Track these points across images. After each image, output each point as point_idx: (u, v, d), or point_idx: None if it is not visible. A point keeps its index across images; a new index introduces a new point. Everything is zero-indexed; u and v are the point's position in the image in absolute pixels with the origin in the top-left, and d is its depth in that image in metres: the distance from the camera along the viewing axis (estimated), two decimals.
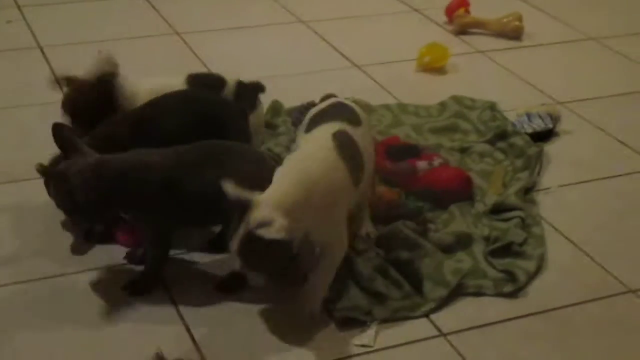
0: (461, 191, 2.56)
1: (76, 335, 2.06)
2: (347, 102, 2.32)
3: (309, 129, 2.19)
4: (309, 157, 2.05)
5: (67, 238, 2.36)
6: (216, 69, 3.22)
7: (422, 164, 2.56)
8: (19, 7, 3.84)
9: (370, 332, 2.09)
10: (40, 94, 3.08)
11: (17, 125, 2.90)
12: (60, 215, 2.29)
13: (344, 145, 2.10)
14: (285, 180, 1.97)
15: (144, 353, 1.90)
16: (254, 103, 2.56)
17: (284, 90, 3.07)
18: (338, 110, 2.23)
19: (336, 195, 2.04)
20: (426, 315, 2.16)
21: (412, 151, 2.62)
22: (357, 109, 2.28)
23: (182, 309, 2.14)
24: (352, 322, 2.12)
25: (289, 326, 2.10)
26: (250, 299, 2.17)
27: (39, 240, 2.36)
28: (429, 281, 2.23)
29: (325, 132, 2.12)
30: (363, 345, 2.06)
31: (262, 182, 1.96)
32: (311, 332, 2.09)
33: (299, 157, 2.07)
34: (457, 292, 2.23)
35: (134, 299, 2.16)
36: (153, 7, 3.90)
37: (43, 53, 3.42)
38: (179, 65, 3.30)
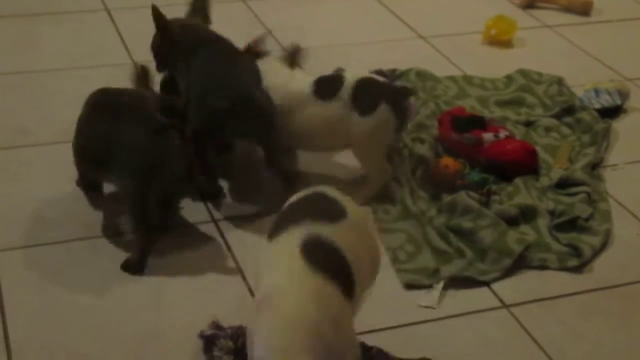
0: (527, 164, 2.53)
1: (132, 290, 2.09)
2: (328, 192, 1.77)
3: (276, 230, 1.69)
4: (278, 291, 1.56)
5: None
6: (281, 37, 3.23)
7: (487, 136, 2.54)
8: None
9: (435, 293, 2.10)
10: (108, 56, 3.13)
11: (85, 86, 2.87)
12: None
13: (317, 258, 1.60)
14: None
15: (204, 314, 1.92)
16: (371, 105, 2.36)
17: (347, 58, 3.06)
18: (311, 205, 1.73)
19: (328, 328, 1.52)
20: (488, 284, 2.15)
21: (477, 123, 2.60)
22: (341, 198, 1.75)
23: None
24: (418, 284, 2.13)
25: None
26: None
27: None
28: (492, 251, 2.22)
29: (291, 241, 1.63)
30: (427, 307, 2.06)
31: None
32: (376, 293, 2.09)
33: (267, 293, 1.56)
34: (520, 265, 2.21)
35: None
36: None
37: (110, 15, 3.45)
38: (244, 32, 3.29)
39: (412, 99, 2.82)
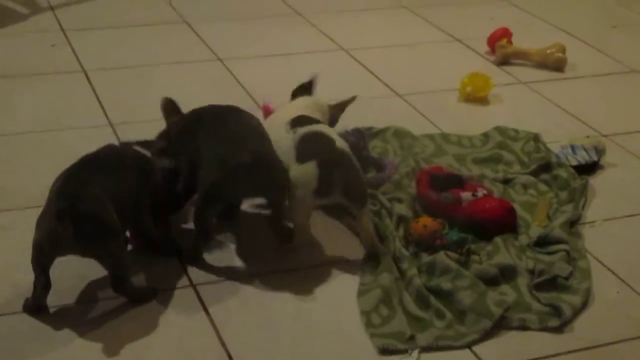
0: (505, 222, 2.53)
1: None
2: None
3: None
4: None
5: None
6: (257, 95, 3.24)
7: (466, 195, 2.54)
8: (63, 31, 3.88)
9: (413, 357, 2.07)
10: (85, 118, 3.12)
11: (60, 148, 2.90)
12: None
13: None
14: None
15: None
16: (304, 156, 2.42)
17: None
18: None
19: None
20: (469, 346, 2.13)
21: (455, 181, 2.60)
22: None
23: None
24: (393, 349, 2.10)
25: (328, 347, 2.09)
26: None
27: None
28: (472, 313, 2.20)
29: None
30: None
31: None
32: (352, 357, 2.07)
33: None
34: (501, 325, 2.19)
35: None
36: (196, 33, 3.92)
37: (87, 77, 3.44)
38: (221, 91, 3.30)
39: (389, 157, 2.85)
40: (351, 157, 2.40)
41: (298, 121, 2.48)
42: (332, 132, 2.45)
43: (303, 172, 2.33)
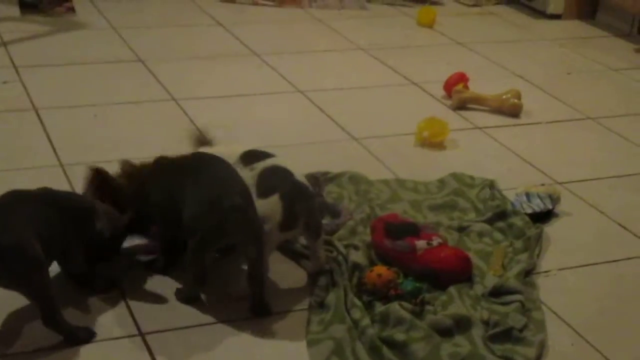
0: (460, 272, 2.51)
1: None
2: None
3: None
4: None
5: None
6: (212, 135, 3.19)
7: (420, 243, 2.51)
8: (15, 68, 3.82)
9: None
10: (35, 158, 3.05)
11: (6, 190, 2.82)
12: None
13: None
14: None
15: None
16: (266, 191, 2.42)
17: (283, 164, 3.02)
18: None
19: None
20: None
21: (410, 229, 2.57)
22: None
23: None
24: None
25: None
26: None
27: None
28: None
29: None
30: None
31: None
32: None
33: None
34: None
35: None
36: (150, 72, 3.88)
37: (38, 116, 3.38)
38: (176, 131, 3.25)
39: (344, 203, 2.82)
40: (309, 189, 2.43)
41: (250, 156, 2.47)
42: (289, 165, 2.44)
43: (267, 206, 2.31)
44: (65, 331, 2.15)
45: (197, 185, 2.31)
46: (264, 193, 2.35)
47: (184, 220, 2.29)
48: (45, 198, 2.26)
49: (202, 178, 2.33)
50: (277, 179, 2.38)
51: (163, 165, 2.47)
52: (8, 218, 2.12)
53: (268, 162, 2.44)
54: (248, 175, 2.41)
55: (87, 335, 2.18)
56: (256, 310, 2.33)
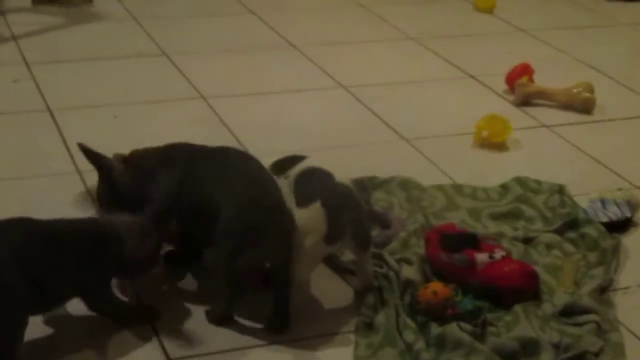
0: (526, 289, 2.50)
1: None
2: None
3: None
4: None
5: None
6: (246, 139, 3.22)
7: (481, 257, 2.51)
8: (27, 64, 3.87)
9: None
10: (48, 164, 3.09)
11: (19, 200, 2.87)
12: None
13: None
14: None
15: None
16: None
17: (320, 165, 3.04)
18: None
19: None
20: None
21: (469, 241, 2.57)
22: None
23: None
24: None
25: None
26: None
27: None
28: None
29: None
30: None
31: None
32: None
33: None
34: None
35: None
36: (176, 67, 3.91)
37: (53, 117, 3.42)
38: (204, 133, 3.28)
39: (395, 211, 2.83)
40: (355, 191, 2.42)
41: (281, 164, 2.48)
42: (328, 167, 2.45)
43: (308, 216, 2.31)
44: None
45: (232, 183, 2.31)
46: (303, 201, 2.35)
47: (220, 224, 2.28)
48: (32, 228, 2.20)
49: (235, 174, 2.33)
50: (316, 184, 2.39)
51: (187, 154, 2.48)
52: None
53: (302, 166, 2.44)
54: (284, 184, 2.41)
55: None
56: (274, 322, 2.33)
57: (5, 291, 2.05)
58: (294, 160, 2.51)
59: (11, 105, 3.53)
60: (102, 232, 2.28)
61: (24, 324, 2.11)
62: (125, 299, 2.40)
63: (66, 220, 2.31)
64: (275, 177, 2.45)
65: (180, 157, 2.49)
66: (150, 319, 2.35)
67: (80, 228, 2.29)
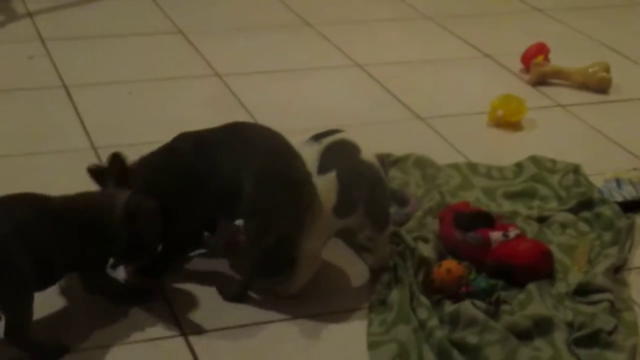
0: (540, 267, 2.50)
1: None
2: None
3: None
4: None
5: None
6: (261, 118, 3.22)
7: (495, 235, 2.51)
8: (42, 41, 3.88)
9: None
10: (63, 141, 3.10)
11: (34, 176, 2.88)
12: None
13: None
14: None
15: None
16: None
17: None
18: None
19: None
20: None
21: (484, 220, 2.57)
22: None
23: None
24: None
25: None
26: None
27: None
28: None
29: None
30: None
31: None
32: None
33: None
34: None
35: None
36: (192, 44, 3.92)
37: (68, 94, 3.44)
38: (219, 110, 3.29)
39: (410, 189, 2.83)
40: (379, 170, 2.41)
41: (322, 133, 2.49)
42: (360, 142, 2.44)
43: (322, 185, 2.33)
44: (28, 349, 2.14)
45: (253, 159, 2.30)
46: (322, 169, 2.35)
47: (244, 201, 2.28)
48: (38, 204, 2.19)
49: (254, 150, 2.32)
50: (338, 155, 2.39)
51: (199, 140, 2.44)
52: None
53: (337, 137, 2.44)
54: (314, 149, 2.42)
55: (54, 354, 2.16)
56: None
57: (11, 266, 2.06)
58: (333, 132, 2.50)
59: (26, 81, 3.54)
60: (106, 206, 2.26)
61: (31, 299, 2.11)
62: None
63: (71, 196, 2.28)
64: (311, 142, 2.45)
65: (180, 159, 2.43)
66: (147, 300, 2.36)
67: (85, 203, 2.27)
